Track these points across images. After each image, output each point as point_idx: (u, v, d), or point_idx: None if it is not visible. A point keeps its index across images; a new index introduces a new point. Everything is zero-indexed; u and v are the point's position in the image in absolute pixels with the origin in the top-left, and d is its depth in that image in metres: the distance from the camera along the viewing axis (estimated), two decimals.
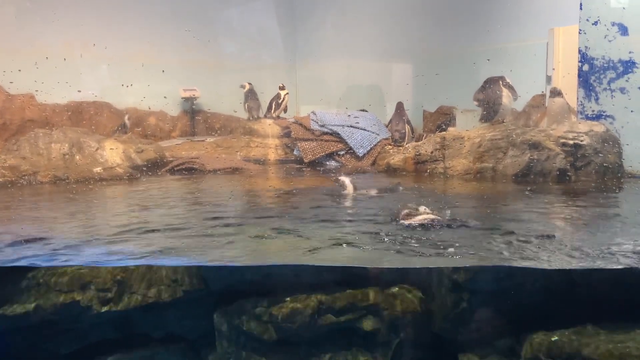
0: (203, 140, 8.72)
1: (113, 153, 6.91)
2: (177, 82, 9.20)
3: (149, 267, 3.65)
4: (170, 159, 7.68)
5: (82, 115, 8.47)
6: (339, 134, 8.19)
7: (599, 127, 6.20)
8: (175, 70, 8.97)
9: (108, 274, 3.61)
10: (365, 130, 8.24)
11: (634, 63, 6.11)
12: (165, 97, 8.79)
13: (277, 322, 3.54)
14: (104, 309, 3.59)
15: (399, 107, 8.37)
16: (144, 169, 7.11)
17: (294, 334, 3.59)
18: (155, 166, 7.34)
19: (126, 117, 8.44)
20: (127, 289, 3.66)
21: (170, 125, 9.42)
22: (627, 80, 6.15)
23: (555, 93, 6.59)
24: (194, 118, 9.57)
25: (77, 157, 6.68)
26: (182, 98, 9.48)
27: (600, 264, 3.20)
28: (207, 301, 3.78)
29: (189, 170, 7.26)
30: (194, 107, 9.61)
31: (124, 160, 6.94)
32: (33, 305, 3.49)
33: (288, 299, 3.58)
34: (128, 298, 3.66)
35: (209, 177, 6.99)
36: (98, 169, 6.62)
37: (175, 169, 7.30)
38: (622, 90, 6.19)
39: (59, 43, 7.99)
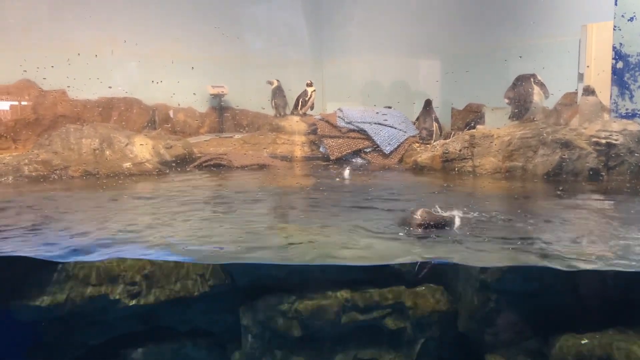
0: (231, 137, 8.77)
1: (142, 149, 6.99)
2: (205, 78, 9.28)
3: (177, 262, 3.68)
4: (199, 155, 7.74)
5: (113, 111, 8.61)
6: (365, 131, 8.15)
7: (633, 126, 6.05)
8: (204, 67, 9.05)
9: (136, 268, 3.65)
10: (392, 127, 8.19)
11: None
12: (194, 93, 8.87)
13: (303, 319, 3.55)
14: (132, 302, 3.64)
15: (428, 104, 8.30)
16: (173, 164, 7.18)
17: (319, 330, 3.59)
18: (183, 162, 7.41)
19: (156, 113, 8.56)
20: (154, 283, 3.70)
21: (199, 122, 9.50)
22: None
23: (589, 91, 6.45)
24: (222, 115, 9.64)
25: (107, 152, 6.78)
26: (211, 95, 9.56)
27: (632, 265, 3.11)
28: (233, 296, 3.80)
29: (216, 167, 7.31)
30: (222, 103, 9.67)
31: (153, 156, 7.02)
32: (64, 297, 3.55)
33: (314, 295, 3.58)
34: (155, 292, 3.70)
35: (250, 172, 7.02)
36: (127, 164, 6.70)
37: (204, 165, 7.37)
38: None
39: (91, 40, 8.11)
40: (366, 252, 3.40)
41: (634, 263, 3.15)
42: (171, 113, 8.53)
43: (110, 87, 8.02)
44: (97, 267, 3.60)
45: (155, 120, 8.63)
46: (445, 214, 3.80)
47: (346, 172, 6.60)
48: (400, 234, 3.61)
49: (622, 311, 3.32)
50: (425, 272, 3.53)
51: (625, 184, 5.67)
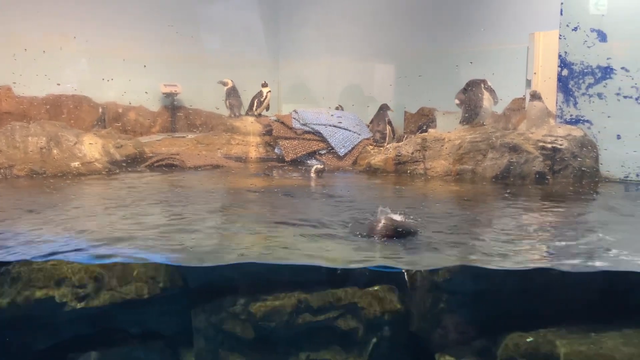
0: (184, 137, 8.66)
1: (92, 148, 6.82)
2: (158, 77, 9.12)
3: (127, 264, 3.61)
4: (150, 154, 7.60)
5: (61, 109, 8.36)
6: (320, 133, 8.19)
7: (577, 132, 6.29)
8: (156, 66, 8.89)
9: (84, 269, 3.56)
10: (347, 129, 8.26)
11: (611, 69, 6.22)
12: (146, 92, 8.71)
13: (256, 321, 3.53)
14: (80, 305, 3.54)
15: (383, 108, 8.40)
16: (123, 164, 7.04)
17: (272, 332, 3.59)
18: (134, 162, 7.27)
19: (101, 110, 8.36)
20: (104, 285, 3.62)
21: (151, 121, 9.33)
22: (604, 86, 6.26)
23: (535, 97, 6.67)
24: (175, 114, 9.50)
25: (55, 151, 6.59)
26: (163, 94, 9.40)
27: (576, 265, 3.24)
28: (185, 298, 3.75)
29: (168, 167, 7.20)
30: (175, 103, 9.53)
31: (103, 156, 6.87)
32: (7, 300, 3.43)
33: (267, 297, 3.57)
34: (105, 294, 3.61)
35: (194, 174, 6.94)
36: (76, 164, 6.53)
37: (155, 165, 7.25)
38: (600, 95, 6.29)
39: (38, 35, 7.87)
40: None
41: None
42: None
43: (58, 84, 7.79)
44: (42, 268, 3.49)
45: (104, 118, 8.43)
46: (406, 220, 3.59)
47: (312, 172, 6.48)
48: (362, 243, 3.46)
49: (566, 309, 3.45)
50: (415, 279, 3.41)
51: (569, 187, 5.90)
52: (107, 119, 8.77)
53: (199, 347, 3.69)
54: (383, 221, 3.38)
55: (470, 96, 6.96)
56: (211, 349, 3.66)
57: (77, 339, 3.74)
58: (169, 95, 9.41)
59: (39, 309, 3.51)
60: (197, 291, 3.77)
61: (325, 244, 3.44)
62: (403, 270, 3.31)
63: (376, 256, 3.26)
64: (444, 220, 4.19)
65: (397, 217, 3.43)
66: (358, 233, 3.52)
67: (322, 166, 6.44)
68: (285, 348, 3.66)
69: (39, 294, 3.48)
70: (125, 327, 3.83)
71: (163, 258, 3.47)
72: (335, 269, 3.57)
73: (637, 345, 3.07)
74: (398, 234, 3.34)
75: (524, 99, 7.30)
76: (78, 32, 7.94)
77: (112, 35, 8.68)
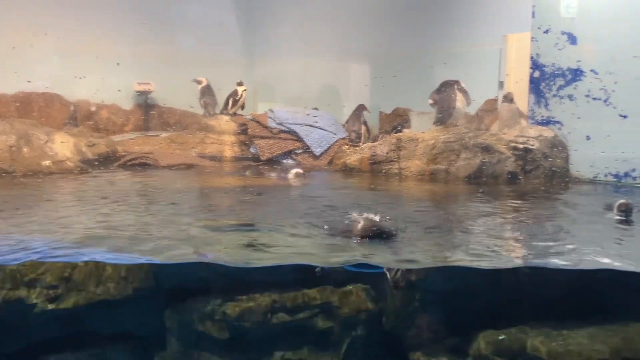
0: (157, 136, 8.57)
1: (63, 146, 6.70)
2: (131, 75, 9.00)
3: (98, 264, 3.57)
4: (123, 153, 7.51)
5: (31, 107, 8.19)
6: (296, 132, 8.19)
7: (548, 132, 6.40)
8: (130, 63, 8.77)
9: (55, 270, 3.51)
10: (322, 129, 8.27)
11: (581, 71, 6.34)
12: (119, 90, 8.59)
13: (230, 321, 3.52)
14: (51, 306, 3.49)
15: (360, 108, 8.43)
16: (96, 163, 6.94)
17: (246, 332, 3.58)
18: (107, 160, 7.17)
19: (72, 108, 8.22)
20: (75, 286, 3.57)
21: (124, 119, 9.21)
22: (575, 88, 6.38)
23: (508, 99, 6.77)
24: (148, 112, 9.38)
25: (25, 149, 6.45)
26: (136, 92, 9.28)
27: (546, 263, 3.30)
28: (158, 299, 3.72)
29: (142, 166, 7.13)
30: (148, 101, 9.41)
31: (75, 154, 6.76)
32: None
33: (241, 297, 3.56)
34: (76, 295, 3.57)
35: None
36: (47, 162, 6.41)
37: (128, 163, 7.16)
38: (570, 97, 6.41)
39: (8, 31, 7.70)
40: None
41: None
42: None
43: (29, 82, 7.64)
44: (12, 269, 3.43)
45: (76, 117, 8.30)
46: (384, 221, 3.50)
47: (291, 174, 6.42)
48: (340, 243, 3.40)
49: (537, 307, 3.51)
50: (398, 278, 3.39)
51: (540, 186, 6.00)
52: (79, 117, 8.62)
53: (172, 347, 3.67)
54: (361, 222, 3.33)
55: (444, 97, 7.03)
56: (185, 349, 3.64)
57: (48, 341, 3.69)
58: (142, 94, 9.29)
59: (7, 311, 3.44)
60: (170, 291, 3.74)
61: (303, 243, 3.43)
62: (385, 270, 3.32)
63: (356, 255, 3.25)
64: (419, 219, 4.23)
65: (375, 218, 3.39)
66: (336, 233, 3.47)
67: (302, 171, 6.44)
68: (260, 348, 3.65)
69: (7, 295, 3.42)
70: (97, 328, 3.78)
71: (136, 258, 3.42)
72: (310, 269, 3.58)
73: (605, 341, 3.14)
74: (376, 234, 3.31)
75: (496, 100, 7.40)
76: (49, 28, 7.79)
77: (85, 32, 8.54)
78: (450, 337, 3.62)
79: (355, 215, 3.45)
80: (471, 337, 3.43)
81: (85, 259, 3.36)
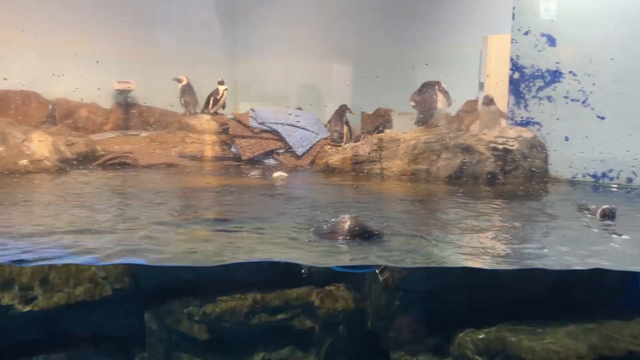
0: (137, 135, 8.48)
1: (41, 145, 6.60)
2: (111, 73, 8.89)
3: (77, 265, 3.52)
4: (102, 152, 7.43)
5: (8, 105, 8.04)
6: (278, 132, 8.16)
7: (527, 133, 6.47)
8: (110, 62, 8.66)
9: (32, 271, 3.45)
10: (304, 129, 8.26)
11: (560, 73, 6.41)
12: (98, 88, 8.48)
13: (211, 321, 3.50)
14: (27, 308, 3.43)
15: (342, 108, 8.43)
16: (74, 162, 6.85)
17: (227, 333, 3.57)
18: (86, 160, 7.09)
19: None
20: (52, 288, 3.51)
21: (103, 118, 9.11)
22: (554, 89, 6.44)
23: (488, 101, 6.82)
24: (128, 111, 9.29)
25: (1, 148, 6.35)
26: (116, 90, 9.18)
27: (525, 264, 3.33)
28: (138, 300, 3.68)
29: (121, 165, 7.06)
30: (128, 99, 9.32)
31: (53, 153, 6.66)
32: None
33: (222, 297, 3.54)
34: (53, 297, 3.51)
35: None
36: (24, 162, 6.31)
37: (107, 163, 7.08)
38: (549, 98, 6.48)
39: None
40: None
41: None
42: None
43: (5, 79, 7.50)
44: None
45: (55, 115, 8.18)
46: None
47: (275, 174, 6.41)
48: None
49: (516, 306, 3.55)
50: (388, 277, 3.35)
51: (519, 187, 6.06)
52: (58, 115, 8.50)
53: (152, 348, 3.63)
54: (347, 223, 3.26)
55: (425, 98, 7.07)
56: (165, 350, 3.61)
57: (24, 343, 3.63)
58: (122, 92, 9.19)
59: None
60: (150, 292, 3.71)
61: (288, 245, 3.38)
62: (375, 270, 3.28)
63: (343, 258, 3.21)
64: (401, 219, 4.24)
65: (360, 219, 3.35)
66: (322, 234, 3.36)
67: (286, 174, 6.42)
68: (241, 348, 3.64)
69: None
70: (75, 330, 3.73)
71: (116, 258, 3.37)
72: (292, 268, 3.57)
73: (582, 339, 3.19)
74: (363, 235, 3.24)
75: (477, 100, 7.45)
76: (27, 25, 7.65)
77: (63, 29, 8.41)
78: (431, 337, 3.64)
79: (340, 216, 3.40)
80: (452, 336, 3.45)
81: (64, 260, 3.31)
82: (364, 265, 3.20)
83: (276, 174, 6.40)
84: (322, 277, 3.70)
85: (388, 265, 3.18)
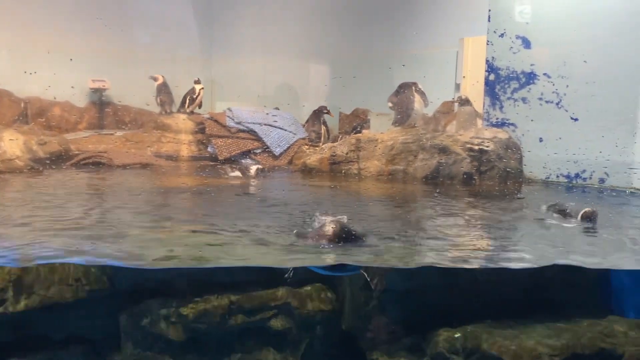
0: (112, 134, 8.38)
1: (12, 144, 6.48)
2: (86, 71, 8.77)
3: (51, 266, 3.45)
4: (76, 152, 7.31)
5: None
6: (255, 132, 8.13)
7: (502, 134, 6.55)
8: (84, 60, 8.54)
9: (4, 274, 3.38)
10: (282, 129, 8.24)
11: (535, 75, 6.51)
12: (72, 87, 8.36)
13: (187, 323, 3.47)
14: None
15: (320, 109, 8.42)
16: (47, 162, 6.73)
17: (203, 334, 3.54)
18: (59, 159, 6.97)
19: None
20: (24, 289, 3.45)
21: (77, 117, 8.97)
22: (528, 91, 6.54)
23: (464, 102, 6.89)
24: (103, 110, 9.17)
25: None
26: (91, 89, 9.05)
27: (500, 263, 3.37)
28: (113, 301, 3.63)
29: (95, 165, 6.96)
30: (103, 98, 9.20)
31: (25, 153, 6.54)
32: None
33: (198, 298, 3.51)
34: (26, 299, 3.45)
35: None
36: None
37: (81, 162, 6.98)
38: (524, 100, 6.57)
39: None
40: None
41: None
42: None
43: None
44: None
45: (27, 114, 8.03)
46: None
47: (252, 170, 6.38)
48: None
49: (491, 306, 3.58)
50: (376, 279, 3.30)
51: (495, 187, 6.14)
52: (30, 114, 8.35)
53: (127, 351, 3.59)
54: (331, 226, 3.19)
55: (402, 98, 7.11)
56: (140, 352, 3.56)
57: None
58: (96, 91, 9.07)
59: None
60: (125, 293, 3.66)
61: (271, 248, 3.32)
62: (361, 271, 3.25)
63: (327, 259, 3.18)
64: (378, 218, 4.26)
65: (344, 220, 3.26)
66: (304, 237, 3.31)
67: (262, 166, 6.40)
68: (218, 350, 3.61)
69: None
70: (49, 332, 3.67)
71: (90, 259, 3.32)
72: (268, 270, 3.55)
73: (557, 337, 3.24)
74: (347, 237, 3.18)
75: (453, 101, 7.52)
76: None
77: (36, 26, 8.27)
78: (408, 336, 3.66)
79: (323, 217, 3.33)
80: (428, 336, 3.47)
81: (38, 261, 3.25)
82: (345, 265, 3.17)
83: (253, 167, 6.38)
84: (299, 277, 3.70)
85: (369, 267, 3.18)
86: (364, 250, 3.20)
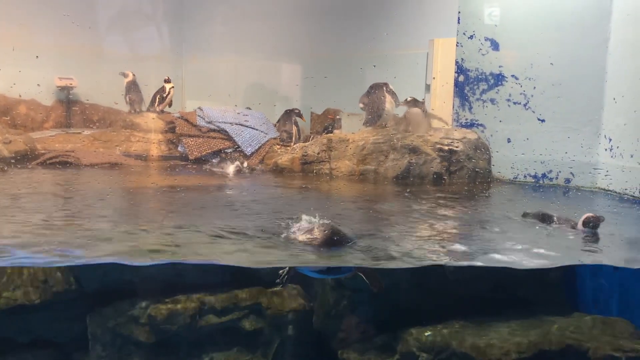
0: (79, 133, 8.23)
1: None
2: (52, 69, 8.59)
3: (16, 268, 3.38)
4: (42, 151, 7.16)
5: None
6: (226, 131, 8.08)
7: (471, 135, 6.64)
8: (51, 57, 8.36)
9: None
10: (253, 128, 8.20)
11: (503, 76, 6.61)
12: (38, 84, 8.18)
13: (156, 324, 3.43)
14: None
15: (292, 111, 8.40)
16: (12, 161, 6.58)
17: (173, 335, 3.50)
18: (24, 158, 6.82)
19: None
20: None
21: (44, 116, 8.78)
22: (497, 92, 6.64)
23: (411, 103, 6.93)
24: (70, 109, 8.99)
25: None
26: (58, 87, 8.87)
27: (469, 261, 3.40)
28: (80, 303, 3.57)
29: (62, 164, 6.82)
30: (70, 97, 9.02)
31: None
32: None
33: (168, 299, 3.48)
34: None
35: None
36: None
37: (48, 162, 6.83)
38: (493, 101, 6.67)
39: None
40: None
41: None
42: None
43: None
44: None
45: None
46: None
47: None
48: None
49: (461, 304, 3.63)
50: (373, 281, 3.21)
51: (464, 187, 6.22)
52: None
53: (96, 353, 3.53)
54: (324, 231, 3.11)
55: (373, 99, 7.15)
56: (109, 354, 3.51)
57: None
58: (64, 89, 8.89)
59: None
60: (93, 295, 3.60)
61: (261, 251, 3.23)
62: (359, 273, 3.20)
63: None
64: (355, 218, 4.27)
65: (332, 224, 3.18)
66: (292, 239, 3.21)
67: (241, 165, 6.37)
68: (188, 351, 3.58)
69: None
70: (14, 335, 3.58)
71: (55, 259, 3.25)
72: (241, 268, 3.54)
73: (523, 334, 3.30)
74: (337, 241, 3.11)
75: (423, 102, 7.59)
76: None
77: (0, 22, 8.07)
78: (379, 335, 3.68)
79: (310, 222, 3.27)
80: (399, 334, 3.50)
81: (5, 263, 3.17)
82: (339, 267, 3.12)
83: (233, 165, 6.35)
84: (270, 277, 3.69)
85: (363, 267, 3.16)
86: (356, 254, 3.14)
